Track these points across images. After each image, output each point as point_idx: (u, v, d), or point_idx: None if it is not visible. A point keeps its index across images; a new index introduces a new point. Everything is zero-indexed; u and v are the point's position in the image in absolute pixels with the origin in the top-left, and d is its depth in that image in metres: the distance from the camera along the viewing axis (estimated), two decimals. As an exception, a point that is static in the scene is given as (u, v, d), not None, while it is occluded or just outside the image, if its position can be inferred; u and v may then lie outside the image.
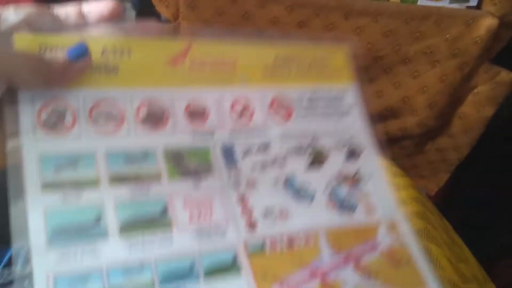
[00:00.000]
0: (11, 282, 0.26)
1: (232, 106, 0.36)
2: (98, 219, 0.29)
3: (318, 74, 0.40)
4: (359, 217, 0.36)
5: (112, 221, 0.29)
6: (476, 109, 0.55)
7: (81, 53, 0.31)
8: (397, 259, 0.35)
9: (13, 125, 0.30)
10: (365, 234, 0.35)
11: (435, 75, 0.52)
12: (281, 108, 0.38)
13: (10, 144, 0.29)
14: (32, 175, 0.29)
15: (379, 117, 0.60)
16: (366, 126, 0.41)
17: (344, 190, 0.37)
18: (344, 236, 0.35)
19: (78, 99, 0.32)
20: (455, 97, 0.53)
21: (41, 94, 0.31)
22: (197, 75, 0.35)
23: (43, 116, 0.30)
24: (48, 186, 0.29)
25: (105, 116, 0.32)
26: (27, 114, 0.30)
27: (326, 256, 0.33)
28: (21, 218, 0.27)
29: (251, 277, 0.30)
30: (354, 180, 0.38)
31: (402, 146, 0.65)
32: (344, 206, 0.36)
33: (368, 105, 0.56)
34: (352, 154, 0.39)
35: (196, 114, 0.35)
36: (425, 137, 0.61)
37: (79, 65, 0.31)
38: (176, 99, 0.34)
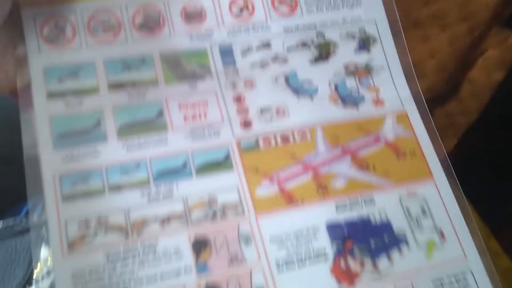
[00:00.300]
0: (28, 230, 0.30)
1: (230, 6, 0.36)
2: (98, 123, 0.32)
3: None
4: (365, 110, 0.35)
5: (110, 125, 0.32)
6: (486, 73, 0.52)
7: None
8: (402, 150, 0.34)
9: (19, 44, 0.33)
10: (369, 126, 0.35)
11: (445, 39, 0.50)
12: (284, 3, 0.37)
13: (18, 62, 0.32)
14: (38, 87, 0.32)
15: None
16: (384, 13, 0.38)
17: (351, 84, 0.36)
18: (344, 130, 0.34)
19: (76, 12, 0.33)
20: (465, 61, 0.51)
21: (41, 12, 0.33)
22: None
23: (45, 31, 0.33)
24: (52, 95, 0.32)
25: (102, 26, 0.34)
26: (31, 31, 0.32)
27: (321, 150, 0.33)
28: (29, 128, 0.31)
29: (242, 172, 0.32)
30: (364, 72, 0.36)
31: None
32: (349, 100, 0.35)
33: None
34: (364, 44, 0.37)
35: (193, 16, 0.35)
36: (434, 102, 0.58)
37: None
38: (171, 3, 0.35)
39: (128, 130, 0.32)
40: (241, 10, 0.36)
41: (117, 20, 0.34)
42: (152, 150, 0.31)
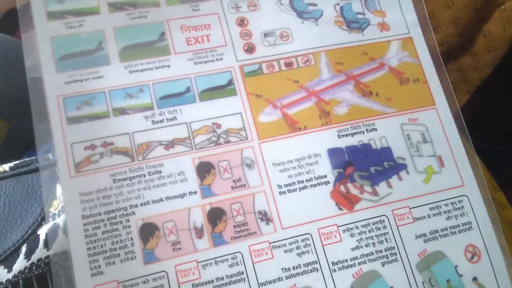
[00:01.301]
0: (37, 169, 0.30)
1: None
2: (100, 45, 0.31)
3: None
4: (370, 35, 0.34)
5: (112, 47, 0.31)
6: (502, 26, 0.50)
7: None
8: (405, 77, 0.34)
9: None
10: (374, 52, 0.34)
11: None
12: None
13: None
14: (37, 6, 0.31)
15: None
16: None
17: (357, 7, 0.35)
18: (348, 56, 0.34)
19: None
20: (481, 13, 0.49)
21: None
22: None
23: None
24: (52, 15, 0.31)
25: None
26: None
27: (325, 76, 0.33)
28: (31, 49, 0.30)
29: (245, 97, 0.32)
30: None
31: None
32: (354, 24, 0.34)
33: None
34: None
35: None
36: (447, 55, 0.56)
37: None
38: None
39: (130, 53, 0.31)
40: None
41: None
42: (155, 74, 0.31)
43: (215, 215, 0.29)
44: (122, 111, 0.30)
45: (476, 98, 0.59)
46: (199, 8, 0.33)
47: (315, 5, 0.34)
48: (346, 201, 0.31)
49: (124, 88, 0.31)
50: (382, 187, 0.32)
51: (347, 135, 0.32)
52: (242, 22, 0.33)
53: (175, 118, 0.31)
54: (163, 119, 0.31)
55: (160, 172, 0.30)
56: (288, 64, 0.33)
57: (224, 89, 0.32)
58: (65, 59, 0.30)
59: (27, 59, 0.30)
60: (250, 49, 0.33)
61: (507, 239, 0.33)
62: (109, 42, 0.31)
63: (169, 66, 0.31)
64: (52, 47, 0.30)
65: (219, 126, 0.31)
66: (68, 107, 0.30)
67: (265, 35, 0.33)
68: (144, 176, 0.30)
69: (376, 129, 0.33)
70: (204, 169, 0.30)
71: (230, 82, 0.32)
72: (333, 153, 0.32)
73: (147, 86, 0.31)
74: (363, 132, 0.33)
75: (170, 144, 0.30)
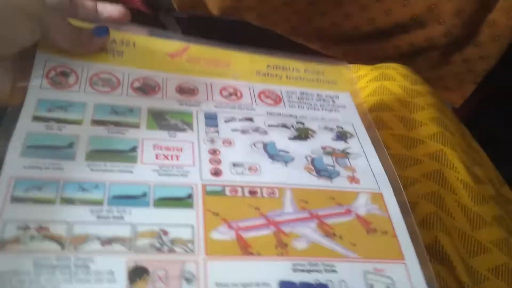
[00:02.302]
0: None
1: (221, 91, 0.39)
2: (71, 145, 0.32)
3: (310, 83, 0.42)
4: (338, 184, 0.35)
5: (82, 148, 0.32)
6: (507, 15, 0.50)
7: (104, 32, 0.38)
8: (372, 227, 0.33)
9: (25, 75, 0.36)
10: (341, 199, 0.34)
11: None
12: (270, 98, 0.40)
13: (19, 85, 0.35)
14: (27, 110, 0.33)
15: (403, 28, 0.57)
16: (360, 120, 0.40)
17: (327, 161, 0.36)
18: (314, 196, 0.33)
19: (83, 67, 0.37)
20: (485, 3, 0.49)
21: (54, 58, 0.37)
22: (192, 67, 0.41)
23: (51, 74, 0.36)
24: (38, 119, 0.33)
25: (103, 82, 0.37)
26: (39, 70, 0.36)
27: (288, 210, 0.32)
28: (5, 138, 0.32)
29: (201, 212, 0.30)
30: (341, 154, 0.37)
31: (426, 58, 0.62)
32: (324, 172, 0.35)
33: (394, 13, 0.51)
34: (341, 136, 0.39)
35: (186, 91, 0.39)
36: (451, 47, 0.56)
37: (99, 40, 0.38)
38: (169, 79, 0.38)
39: (98, 155, 0.32)
40: (230, 94, 0.39)
41: (117, 80, 0.37)
42: (116, 175, 0.31)
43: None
44: (69, 201, 0.29)
45: (483, 87, 0.53)
46: (176, 136, 0.35)
47: (287, 152, 0.36)
48: None
49: (79, 182, 0.30)
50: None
51: (303, 270, 0.29)
52: (214, 152, 0.34)
53: (122, 217, 0.29)
54: (109, 216, 0.29)
55: (88, 267, 0.27)
56: (252, 192, 0.33)
57: (181, 201, 0.31)
58: (33, 148, 0.31)
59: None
60: (217, 173, 0.33)
61: None
62: (81, 144, 0.32)
63: (131, 172, 0.32)
64: (25, 138, 0.32)
65: (166, 233, 0.29)
66: (17, 188, 0.29)
67: (234, 165, 0.34)
68: (70, 267, 0.26)
69: (336, 271, 0.30)
70: (137, 274, 0.27)
71: (189, 196, 0.31)
72: (285, 286, 0.28)
73: (103, 183, 0.30)
74: (321, 271, 0.30)
75: (108, 241, 0.28)
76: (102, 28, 0.39)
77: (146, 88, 0.38)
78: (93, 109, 0.35)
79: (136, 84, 0.38)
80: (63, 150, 0.32)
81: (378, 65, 0.54)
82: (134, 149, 0.33)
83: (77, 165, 0.31)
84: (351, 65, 0.55)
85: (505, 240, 0.39)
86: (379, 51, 0.64)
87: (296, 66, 0.44)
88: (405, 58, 0.63)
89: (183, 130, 0.35)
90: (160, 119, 0.36)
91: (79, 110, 0.34)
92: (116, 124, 0.34)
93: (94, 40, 0.38)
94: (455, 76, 0.62)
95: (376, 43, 0.63)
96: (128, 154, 0.33)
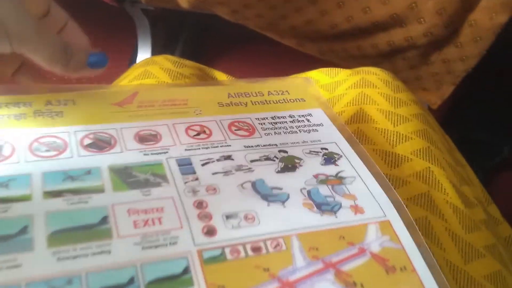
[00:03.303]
0: None
1: (187, 131, 0.34)
2: (24, 230, 0.25)
3: (278, 105, 0.39)
4: (344, 218, 0.31)
5: (40, 232, 0.25)
6: (489, 15, 0.49)
7: (101, 61, 0.34)
8: (390, 264, 0.29)
9: None
10: (351, 236, 0.30)
11: None
12: (242, 129, 0.35)
13: None
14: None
15: (383, 26, 0.56)
16: (342, 137, 0.37)
17: (324, 191, 0.32)
18: (323, 240, 0.29)
19: (18, 136, 0.30)
20: (466, 2, 0.48)
21: None
22: (147, 112, 0.35)
23: None
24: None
25: (46, 147, 0.30)
26: None
27: (300, 264, 0.28)
28: None
29: (205, 288, 0.25)
30: (336, 181, 0.33)
31: (405, 57, 0.61)
32: (325, 207, 0.31)
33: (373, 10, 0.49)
34: (330, 159, 0.35)
35: (147, 138, 0.33)
36: (431, 47, 0.55)
37: (91, 71, 0.35)
38: (125, 129, 0.33)
39: (61, 237, 0.25)
40: (198, 133, 0.34)
41: (63, 142, 0.31)
42: (91, 261, 0.25)
43: None
44: (40, 310, 0.22)
45: (459, 87, 0.52)
46: (150, 193, 0.29)
47: (280, 189, 0.31)
48: None
49: (47, 280, 0.24)
50: None
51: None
52: (200, 205, 0.29)
53: None
54: None
55: None
56: (256, 249, 0.28)
57: (178, 279, 0.25)
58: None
59: None
60: (210, 231, 0.28)
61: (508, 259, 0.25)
62: (37, 226, 0.26)
63: (109, 252, 0.25)
64: None
65: (170, 325, 0.23)
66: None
67: (228, 217, 0.29)
68: None
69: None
70: None
71: (186, 271, 0.26)
72: None
73: (78, 277, 0.24)
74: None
75: None
76: (100, 56, 0.34)
77: (100, 144, 0.31)
78: (42, 178, 0.28)
79: (87, 141, 0.31)
80: (15, 239, 0.25)
81: (358, 69, 0.51)
82: (104, 220, 0.27)
83: (38, 257, 0.24)
84: (329, 68, 0.52)
85: (499, 274, 0.37)
86: (356, 49, 0.61)
87: (258, 89, 0.40)
88: (383, 57, 0.61)
89: (157, 184, 0.30)
90: (126, 177, 0.30)
91: (24, 183, 0.28)
92: (75, 192, 0.28)
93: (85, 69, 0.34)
94: (433, 77, 0.60)
95: (354, 41, 0.60)
96: (99, 229, 0.26)
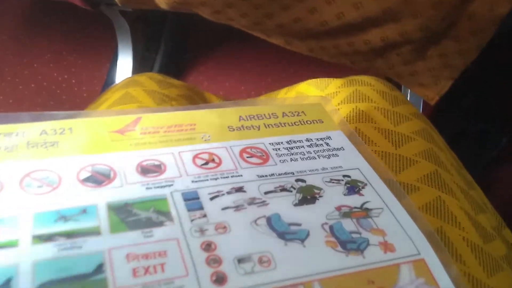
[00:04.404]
0: None
1: (194, 160, 0.31)
2: (7, 282, 0.22)
3: (294, 129, 0.36)
4: (372, 259, 0.27)
5: (26, 284, 0.22)
6: (489, 6, 0.45)
7: None
8: (430, 309, 0.25)
9: None
10: (381, 280, 0.26)
11: None
12: (255, 156, 0.32)
13: None
14: None
15: (375, 21, 0.52)
16: (365, 162, 0.33)
17: (349, 226, 0.29)
18: (350, 285, 0.26)
19: (8, 171, 0.27)
20: None
21: None
22: (151, 139, 0.32)
23: None
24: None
25: (39, 182, 0.27)
26: None
27: (325, 312, 0.24)
28: None
29: None
30: (362, 213, 0.30)
31: (400, 53, 0.56)
32: (351, 245, 0.27)
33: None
34: (353, 188, 0.31)
35: (150, 169, 0.30)
36: (427, 41, 0.51)
37: None
38: (126, 159, 0.30)
39: (50, 291, 0.22)
40: (207, 162, 0.31)
41: (57, 176, 0.28)
42: None
43: None
44: None
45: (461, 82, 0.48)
46: (152, 234, 0.26)
47: (299, 224, 0.28)
48: None
49: None
50: None
51: None
52: (208, 246, 0.26)
53: None
54: None
55: None
56: (274, 298, 0.24)
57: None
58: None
59: None
60: (220, 279, 0.24)
61: None
62: (23, 278, 0.22)
63: None
64: None
65: None
66: None
67: (240, 260, 0.25)
68: None
69: None
70: None
71: (193, 326, 0.22)
72: None
73: None
74: None
75: None
76: None
77: (98, 177, 0.28)
78: (31, 220, 0.25)
79: (84, 175, 0.28)
80: (-4, 295, 0.22)
81: (350, 78, 0.47)
82: (100, 268, 0.24)
83: (22, 316, 0.21)
84: (318, 80, 0.48)
85: None
86: (347, 46, 0.57)
87: (271, 111, 0.37)
88: (376, 53, 0.57)
89: (161, 223, 0.26)
90: (126, 215, 0.26)
91: (10, 227, 0.24)
92: (68, 235, 0.25)
93: None
94: (430, 72, 0.57)
95: (345, 38, 0.57)
96: (93, 279, 0.23)
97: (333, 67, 1.04)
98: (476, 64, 0.56)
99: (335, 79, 0.47)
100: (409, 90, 0.85)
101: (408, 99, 0.89)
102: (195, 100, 0.47)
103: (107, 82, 1.08)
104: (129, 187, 0.28)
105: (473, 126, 0.80)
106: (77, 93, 1.10)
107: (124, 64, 1.04)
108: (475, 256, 0.32)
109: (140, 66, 1.07)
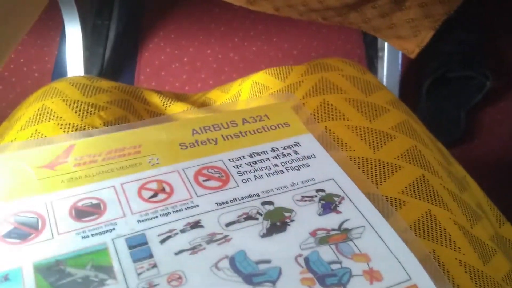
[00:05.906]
0: None
1: (140, 193, 0.26)
2: None
3: (257, 137, 0.30)
4: (357, 291, 0.23)
5: None
6: None
7: None
8: None
9: None
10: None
11: None
12: (212, 178, 0.28)
13: None
14: None
15: None
16: (341, 171, 0.29)
17: (327, 255, 0.24)
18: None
19: None
20: None
21: None
22: (87, 171, 0.27)
23: None
24: None
25: None
26: None
27: None
28: None
29: None
30: (341, 235, 0.25)
31: (376, 5, 0.53)
32: (330, 279, 0.23)
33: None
34: (329, 205, 0.27)
35: (86, 212, 0.25)
36: None
37: None
38: (55, 203, 0.25)
39: None
40: (156, 193, 0.26)
41: None
42: None
43: None
44: None
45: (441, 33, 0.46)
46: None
47: (268, 261, 0.24)
48: None
49: None
50: None
51: None
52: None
53: None
54: None
55: None
56: None
57: None
58: None
59: None
60: None
61: None
62: None
63: None
64: None
65: None
66: None
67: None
68: None
69: None
70: None
71: None
72: None
73: None
74: None
75: None
76: None
77: (23, 230, 0.24)
78: None
79: (5, 228, 0.24)
80: None
81: (314, 62, 0.40)
82: None
83: None
84: (277, 68, 0.42)
85: None
86: (318, 3, 0.52)
87: (230, 119, 0.32)
88: (350, 7, 0.53)
89: (101, 284, 0.22)
90: (57, 278, 0.22)
91: None
92: None
93: None
94: (409, 23, 0.53)
95: None
96: None
97: (302, 22, 0.98)
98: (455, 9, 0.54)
99: (295, 66, 0.42)
100: (386, 44, 0.81)
101: (386, 53, 0.85)
102: (132, 105, 0.40)
103: (59, 58, 0.97)
104: (61, 239, 0.24)
105: (454, 72, 0.79)
106: (27, 74, 0.98)
107: (73, 36, 0.91)
108: (471, 279, 0.28)
109: (92, 36, 0.95)
